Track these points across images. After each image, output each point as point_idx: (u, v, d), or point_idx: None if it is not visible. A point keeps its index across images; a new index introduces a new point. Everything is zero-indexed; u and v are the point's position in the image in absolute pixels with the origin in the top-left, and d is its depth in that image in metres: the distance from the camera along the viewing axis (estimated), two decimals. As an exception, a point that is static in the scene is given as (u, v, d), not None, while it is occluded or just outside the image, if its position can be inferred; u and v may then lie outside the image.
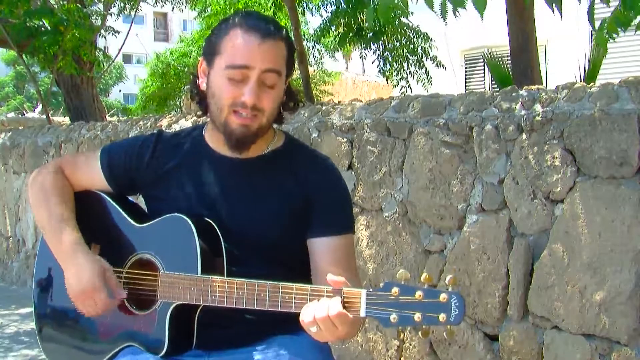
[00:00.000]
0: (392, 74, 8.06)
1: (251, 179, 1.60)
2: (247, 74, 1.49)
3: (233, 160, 1.60)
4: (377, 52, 7.89)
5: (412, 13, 7.92)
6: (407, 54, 8.07)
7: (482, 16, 2.44)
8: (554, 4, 2.63)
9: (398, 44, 7.92)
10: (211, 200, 1.59)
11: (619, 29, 2.68)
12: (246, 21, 1.52)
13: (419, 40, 8.17)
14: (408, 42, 8.05)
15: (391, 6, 2.61)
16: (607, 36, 2.67)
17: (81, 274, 1.54)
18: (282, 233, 1.57)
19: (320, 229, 1.57)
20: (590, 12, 2.66)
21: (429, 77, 8.33)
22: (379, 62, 7.97)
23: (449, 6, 2.68)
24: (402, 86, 8.11)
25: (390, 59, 7.95)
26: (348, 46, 7.76)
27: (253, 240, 1.56)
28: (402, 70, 8.05)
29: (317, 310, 1.31)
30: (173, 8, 8.88)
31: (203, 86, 1.58)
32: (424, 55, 8.30)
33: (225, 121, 1.53)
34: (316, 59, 11.34)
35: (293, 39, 4.98)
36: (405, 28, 7.93)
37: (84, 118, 6.86)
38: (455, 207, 2.80)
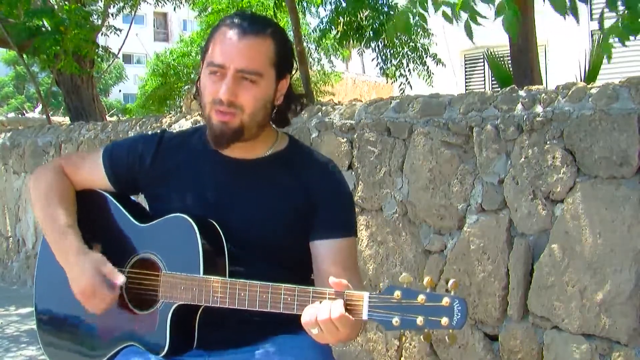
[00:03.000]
0: (392, 70, 8.06)
1: (254, 180, 1.60)
2: (223, 72, 1.50)
3: (236, 161, 1.61)
4: (377, 49, 7.89)
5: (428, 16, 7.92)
6: (407, 51, 8.08)
7: (514, 38, 2.45)
8: (568, 10, 2.62)
9: (398, 41, 7.92)
10: (213, 200, 1.59)
11: (630, 36, 2.66)
12: (233, 19, 1.54)
13: (419, 36, 8.17)
14: (408, 39, 8.05)
15: (409, 18, 2.63)
16: (614, 42, 2.67)
17: (79, 275, 1.55)
18: (284, 235, 1.57)
19: (323, 232, 1.57)
20: (601, 19, 2.66)
21: (429, 73, 8.33)
22: (379, 60, 7.97)
23: (474, 25, 2.70)
24: (402, 82, 8.12)
25: (389, 56, 7.95)
26: (348, 45, 7.77)
27: (255, 242, 1.56)
28: (401, 66, 8.06)
29: (319, 312, 1.31)
30: (175, 8, 8.87)
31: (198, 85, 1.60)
32: (424, 52, 8.31)
33: (208, 117, 1.55)
34: (316, 59, 11.34)
35: (293, 38, 4.98)
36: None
37: (84, 118, 6.86)
38: (455, 207, 2.80)
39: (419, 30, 7.88)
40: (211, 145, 1.57)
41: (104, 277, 1.54)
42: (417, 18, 2.56)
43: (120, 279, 1.55)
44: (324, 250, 1.56)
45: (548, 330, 2.54)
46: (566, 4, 2.48)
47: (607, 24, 2.75)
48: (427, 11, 2.63)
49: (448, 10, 2.68)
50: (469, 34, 2.62)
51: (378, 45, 7.86)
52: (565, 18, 2.66)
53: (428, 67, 8.31)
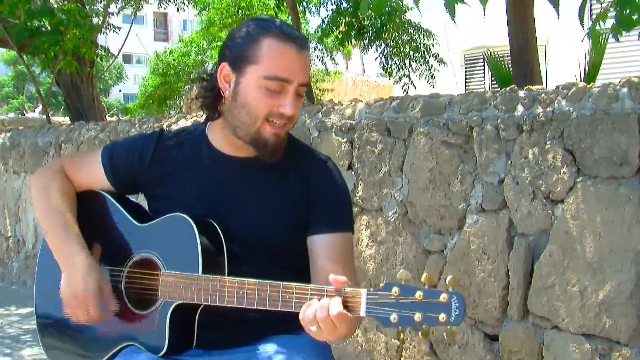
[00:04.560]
0: (393, 70, 8.06)
1: (253, 178, 1.60)
2: (285, 87, 1.49)
3: (235, 160, 1.61)
4: (379, 49, 7.90)
5: (411, 9, 7.92)
6: (409, 51, 8.08)
7: (452, 18, 2.36)
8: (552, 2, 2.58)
9: (400, 41, 7.93)
10: (213, 199, 1.59)
11: (622, 30, 2.62)
12: (280, 30, 1.50)
13: (421, 37, 8.17)
14: (410, 40, 8.05)
15: None
16: (607, 35, 2.63)
17: (78, 279, 1.55)
18: (284, 233, 1.57)
19: (320, 226, 1.57)
20: (582, 10, 2.62)
21: (432, 73, 8.32)
22: (381, 60, 7.97)
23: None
24: (405, 83, 8.11)
25: (392, 56, 7.95)
26: (349, 45, 7.76)
27: (255, 240, 1.56)
28: (404, 67, 8.06)
29: (318, 310, 1.31)
30: (178, 9, 8.86)
31: (226, 93, 1.54)
32: (426, 52, 8.30)
33: (257, 131, 1.52)
34: (319, 57, 11.34)
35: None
36: (406, 25, 7.94)
37: (84, 118, 6.86)
38: (455, 207, 2.80)
39: (419, 25, 7.89)
40: (262, 157, 1.55)
41: (101, 294, 1.55)
42: None
43: (115, 306, 1.58)
44: (320, 245, 1.57)
45: (548, 330, 2.54)
46: None
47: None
48: None
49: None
50: (452, 12, 2.52)
51: (380, 45, 7.87)
52: (558, 11, 2.63)
53: (431, 67, 8.30)
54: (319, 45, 10.05)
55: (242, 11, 11.86)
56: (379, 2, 2.51)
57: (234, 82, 1.52)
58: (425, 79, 8.29)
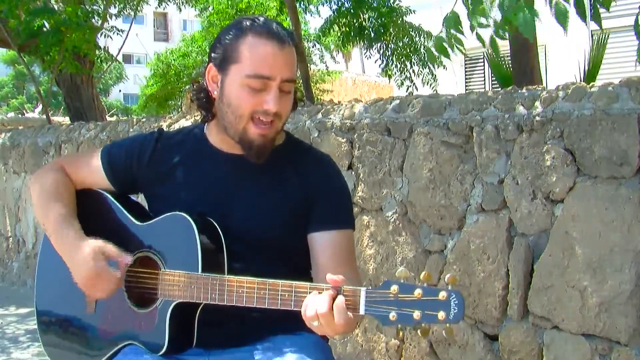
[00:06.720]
0: (394, 73, 8.03)
1: (252, 176, 1.60)
2: (268, 83, 1.48)
3: (235, 158, 1.61)
4: (380, 51, 7.88)
5: (414, 11, 7.92)
6: (410, 53, 8.05)
7: (531, 38, 2.37)
8: (587, 14, 2.58)
9: (401, 43, 7.90)
10: (213, 198, 1.59)
11: None
12: (261, 27, 1.50)
13: (422, 39, 8.14)
14: (410, 42, 8.03)
15: (447, 41, 2.56)
16: (607, 34, 2.62)
17: (81, 262, 1.54)
18: (283, 231, 1.57)
19: (321, 224, 1.57)
20: (636, 22, 2.61)
21: (434, 76, 8.29)
22: (382, 62, 7.95)
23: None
24: (408, 86, 8.09)
25: (393, 58, 7.93)
26: (350, 46, 7.74)
27: (254, 239, 1.56)
28: (405, 69, 8.03)
29: (319, 305, 1.32)
30: (180, 9, 8.85)
31: (214, 94, 1.55)
32: (426, 55, 8.27)
33: (243, 130, 1.52)
34: (318, 56, 11.33)
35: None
36: (407, 27, 7.92)
37: (84, 118, 6.86)
38: (455, 207, 2.80)
39: (420, 27, 7.89)
40: (249, 157, 1.55)
41: (106, 259, 1.53)
42: (451, 37, 2.50)
43: (126, 257, 1.54)
44: (321, 243, 1.57)
45: (548, 330, 2.54)
46: (568, 17, 2.42)
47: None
48: (462, 34, 2.58)
49: (482, 32, 2.62)
50: (495, 50, 2.55)
51: (382, 47, 7.86)
52: (586, 23, 2.64)
53: (432, 70, 8.26)
54: (318, 44, 10.06)
55: (240, 13, 11.85)
56: (443, 50, 2.59)
57: (220, 83, 1.53)
58: (428, 84, 8.25)
